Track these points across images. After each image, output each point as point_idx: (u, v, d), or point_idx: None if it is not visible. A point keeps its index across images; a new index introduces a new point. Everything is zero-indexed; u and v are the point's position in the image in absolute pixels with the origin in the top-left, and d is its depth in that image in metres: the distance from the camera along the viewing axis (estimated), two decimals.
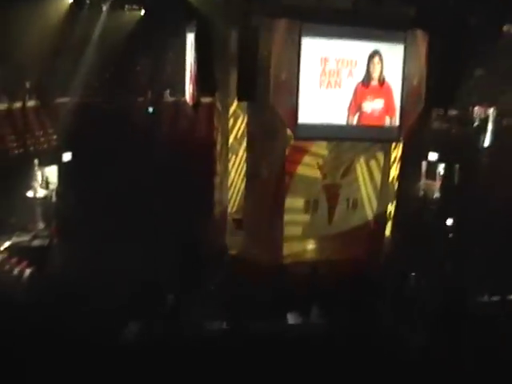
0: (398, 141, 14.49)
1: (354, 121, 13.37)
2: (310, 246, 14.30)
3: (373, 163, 14.69)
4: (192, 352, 7.89)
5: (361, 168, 14.49)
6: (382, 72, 13.39)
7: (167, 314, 10.80)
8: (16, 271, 13.15)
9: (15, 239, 14.15)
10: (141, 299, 10.73)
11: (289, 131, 13.33)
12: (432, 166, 18.39)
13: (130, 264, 12.13)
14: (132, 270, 11.93)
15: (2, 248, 13.84)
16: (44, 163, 15.68)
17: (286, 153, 13.72)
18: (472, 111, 19.56)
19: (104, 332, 9.42)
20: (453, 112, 18.83)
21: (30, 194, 15.35)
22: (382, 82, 13.53)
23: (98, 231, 13.48)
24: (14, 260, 13.51)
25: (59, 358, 7.10)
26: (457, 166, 18.18)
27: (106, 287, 11.29)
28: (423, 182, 18.35)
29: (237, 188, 14.88)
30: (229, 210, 15.07)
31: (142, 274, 11.81)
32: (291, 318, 11.14)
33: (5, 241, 14.03)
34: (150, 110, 18.79)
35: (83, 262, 12.48)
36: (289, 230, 13.97)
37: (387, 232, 15.20)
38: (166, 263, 12.42)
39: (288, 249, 13.96)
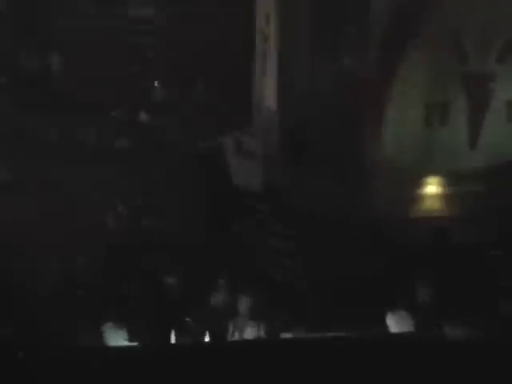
0: None
1: None
2: (434, 187, 10.45)
3: None
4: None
5: None
6: None
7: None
8: None
9: None
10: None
11: None
12: None
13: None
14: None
15: None
16: None
17: (394, 16, 9.95)
18: None
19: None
20: None
21: None
22: None
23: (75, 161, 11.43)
24: None
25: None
26: None
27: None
28: None
29: (296, 84, 11.00)
30: (282, 123, 11.31)
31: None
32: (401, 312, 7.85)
33: None
34: None
35: (41, 208, 10.28)
36: (394, 158, 10.22)
37: None
38: (185, 208, 10.93)
39: (393, 192, 10.19)
